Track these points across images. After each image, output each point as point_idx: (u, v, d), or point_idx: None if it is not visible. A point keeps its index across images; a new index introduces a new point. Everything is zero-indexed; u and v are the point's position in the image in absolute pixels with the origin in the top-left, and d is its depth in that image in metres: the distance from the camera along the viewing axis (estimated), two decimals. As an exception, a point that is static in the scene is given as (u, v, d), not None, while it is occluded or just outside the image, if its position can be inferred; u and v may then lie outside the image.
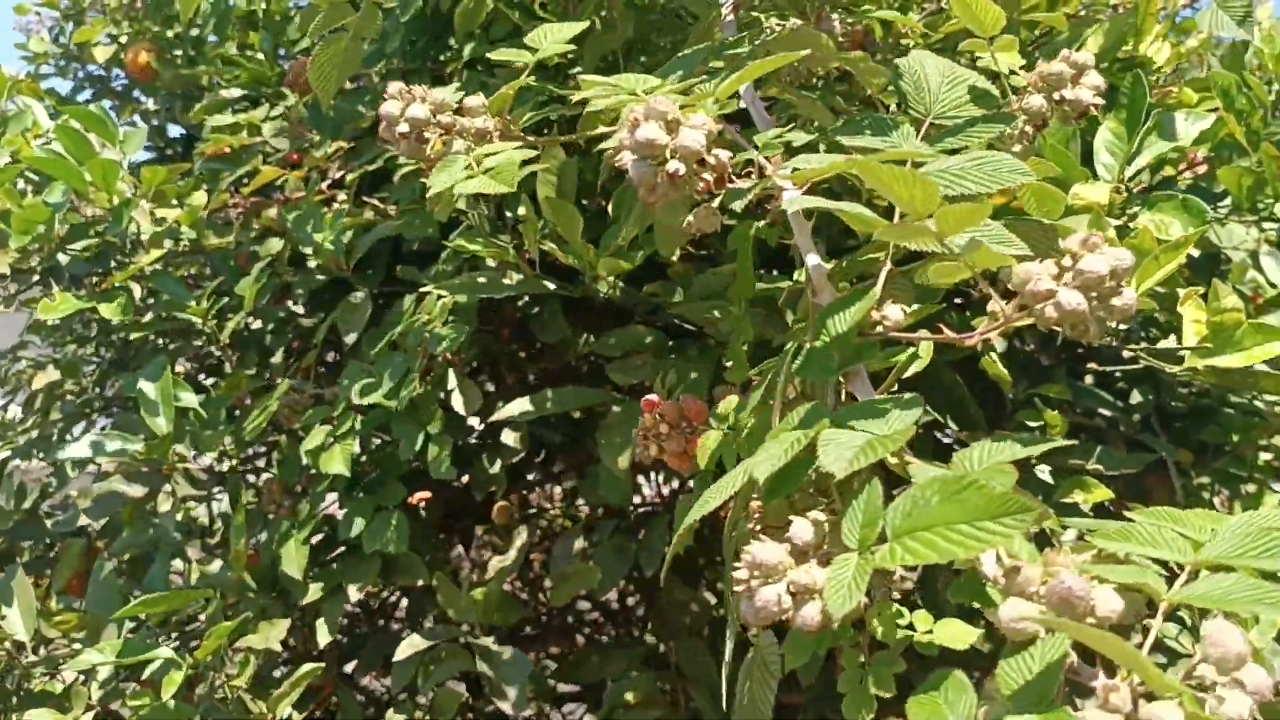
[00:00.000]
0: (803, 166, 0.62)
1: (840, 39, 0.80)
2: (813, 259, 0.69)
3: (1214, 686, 0.42)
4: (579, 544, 1.24)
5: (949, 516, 0.48)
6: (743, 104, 0.79)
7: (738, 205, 0.66)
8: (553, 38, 0.80)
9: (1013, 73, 0.76)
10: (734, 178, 0.67)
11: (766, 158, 0.69)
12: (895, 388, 0.71)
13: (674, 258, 1.11)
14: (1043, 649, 0.46)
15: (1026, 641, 0.46)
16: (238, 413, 1.29)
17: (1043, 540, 0.57)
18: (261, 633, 1.05)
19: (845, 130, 0.71)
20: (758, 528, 0.63)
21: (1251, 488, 1.04)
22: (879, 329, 0.64)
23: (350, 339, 1.18)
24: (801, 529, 0.56)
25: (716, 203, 0.67)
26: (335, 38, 0.94)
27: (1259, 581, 0.45)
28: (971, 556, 0.47)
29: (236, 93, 1.50)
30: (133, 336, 1.36)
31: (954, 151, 0.67)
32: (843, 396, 0.65)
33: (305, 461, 1.14)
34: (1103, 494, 0.92)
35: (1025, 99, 0.75)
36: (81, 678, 1.16)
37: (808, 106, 0.82)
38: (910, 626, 0.71)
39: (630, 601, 1.75)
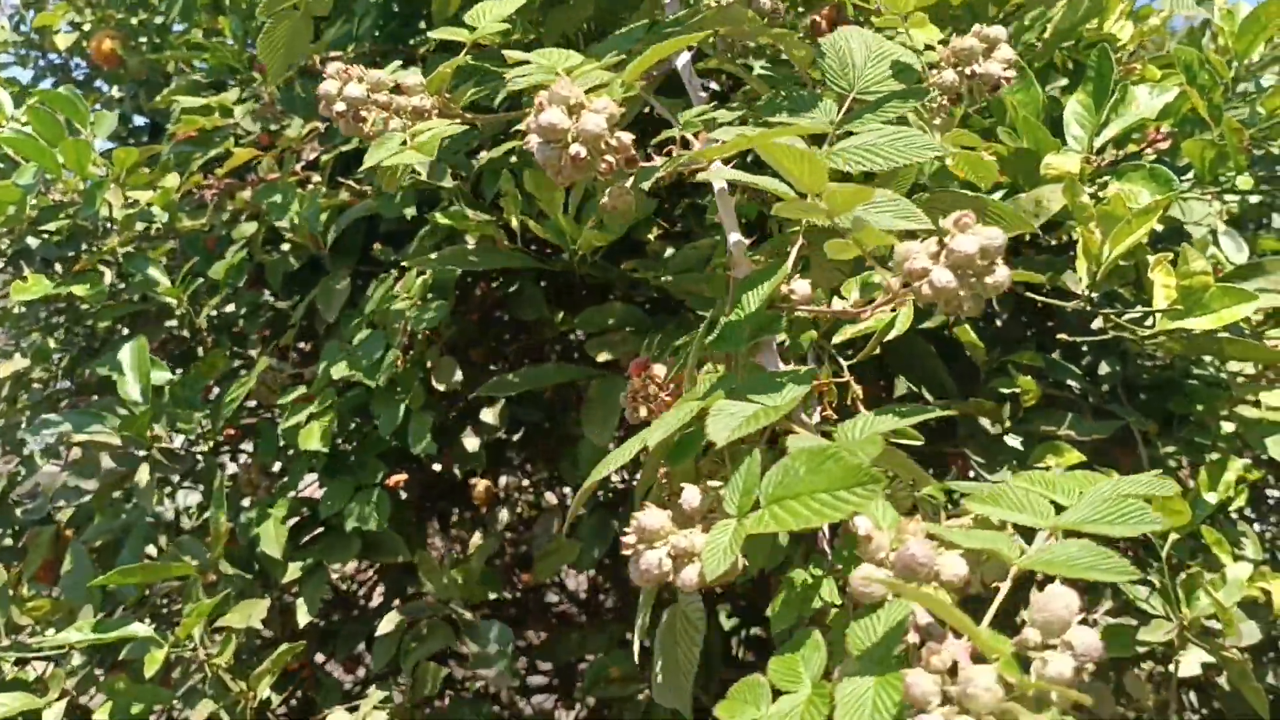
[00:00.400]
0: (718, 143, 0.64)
1: (773, 14, 0.81)
2: (733, 236, 0.71)
3: (1042, 649, 0.43)
4: (558, 521, 1.25)
5: (813, 486, 0.50)
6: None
7: (645, 185, 0.67)
8: (490, 15, 0.81)
9: (928, 48, 0.78)
10: (653, 155, 0.69)
11: (694, 134, 0.71)
12: (867, 358, 0.74)
13: (651, 235, 1.12)
14: (888, 612, 0.48)
15: (876, 605, 0.49)
16: (211, 399, 1.28)
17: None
18: (241, 612, 1.04)
19: (767, 108, 0.72)
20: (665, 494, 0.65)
21: (1215, 456, 1.06)
22: (787, 303, 0.66)
23: (330, 318, 1.17)
24: (691, 496, 0.58)
25: (629, 182, 0.68)
26: (284, 15, 0.94)
27: (1102, 548, 0.47)
28: (826, 523, 0.50)
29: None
30: (102, 323, 1.35)
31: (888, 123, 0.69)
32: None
33: (283, 442, 1.13)
34: (1075, 458, 0.95)
35: (939, 74, 0.76)
36: (53, 665, 1.15)
37: (750, 80, 0.84)
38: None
39: (600, 594, 1.75)
